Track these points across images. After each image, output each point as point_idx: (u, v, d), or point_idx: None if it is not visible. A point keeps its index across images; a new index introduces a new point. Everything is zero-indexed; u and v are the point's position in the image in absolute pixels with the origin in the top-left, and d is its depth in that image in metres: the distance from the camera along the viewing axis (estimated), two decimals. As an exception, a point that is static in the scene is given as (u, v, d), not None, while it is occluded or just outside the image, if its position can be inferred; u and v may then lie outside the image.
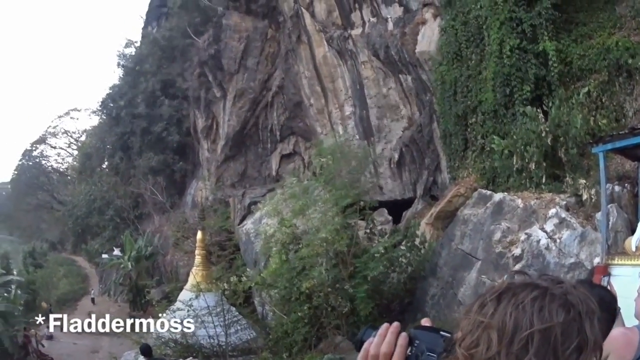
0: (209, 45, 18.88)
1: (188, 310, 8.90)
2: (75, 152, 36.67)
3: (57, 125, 37.80)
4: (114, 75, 32.57)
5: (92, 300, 22.75)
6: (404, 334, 0.68)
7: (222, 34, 18.08)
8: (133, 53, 28.98)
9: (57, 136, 37.70)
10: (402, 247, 8.88)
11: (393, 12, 11.70)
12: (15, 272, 21.02)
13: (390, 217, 11.68)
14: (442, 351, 0.64)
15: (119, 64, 29.96)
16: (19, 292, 17.12)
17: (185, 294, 10.25)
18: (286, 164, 16.74)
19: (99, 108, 31.54)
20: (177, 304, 10.00)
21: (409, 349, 0.67)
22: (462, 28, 9.39)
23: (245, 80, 17.27)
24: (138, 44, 28.35)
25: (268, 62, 16.54)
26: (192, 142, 21.12)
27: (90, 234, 27.31)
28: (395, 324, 0.68)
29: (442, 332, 0.67)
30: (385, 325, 0.68)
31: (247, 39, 16.96)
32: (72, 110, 38.61)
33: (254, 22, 16.44)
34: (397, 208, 12.25)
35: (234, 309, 9.68)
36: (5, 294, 15.64)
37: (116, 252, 21.17)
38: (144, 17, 27.16)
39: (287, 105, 15.87)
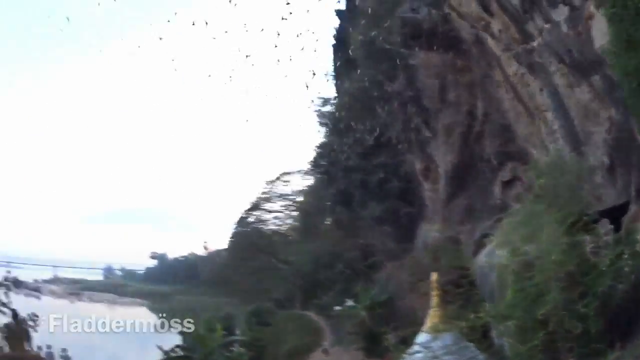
0: (405, 88, 22.71)
1: (426, 353, 10.72)
2: (294, 213, 44.37)
3: (269, 191, 46.93)
4: (315, 134, 38.93)
5: (325, 351, 26.42)
6: None
7: (414, 75, 21.75)
8: (331, 109, 34.70)
9: (272, 200, 46.59)
10: (625, 256, 9.99)
11: (561, 13, 12.72)
12: (238, 332, 26.51)
13: (611, 226, 12.33)
14: None
15: (320, 123, 36.56)
16: (242, 349, 21.55)
17: (422, 337, 11.99)
18: (508, 190, 18.56)
19: (310, 168, 38.63)
20: (415, 347, 11.93)
21: None
22: (625, 13, 9.74)
23: (450, 115, 20.39)
24: (330, 100, 34.03)
25: (467, 93, 19.24)
26: (413, 185, 24.64)
27: (320, 288, 32.40)
28: None
29: None
30: None
31: (440, 75, 20.19)
32: (282, 174, 46.96)
33: (441, 57, 19.48)
34: (613, 215, 12.86)
35: (471, 345, 11.48)
36: (228, 354, 20.29)
37: (349, 303, 25.45)
38: (332, 74, 32.56)
39: (496, 131, 18.16)
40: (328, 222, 35.39)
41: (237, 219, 49.86)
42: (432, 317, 12.13)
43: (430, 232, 22.14)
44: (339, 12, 27.61)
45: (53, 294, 75.66)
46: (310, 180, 41.79)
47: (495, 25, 14.65)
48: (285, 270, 38.76)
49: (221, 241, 63.42)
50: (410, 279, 21.59)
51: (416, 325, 14.29)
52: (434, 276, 13.28)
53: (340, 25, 27.94)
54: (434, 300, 12.57)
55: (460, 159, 20.07)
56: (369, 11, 23.42)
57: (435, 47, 19.61)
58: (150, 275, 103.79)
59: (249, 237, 46.84)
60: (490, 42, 15.63)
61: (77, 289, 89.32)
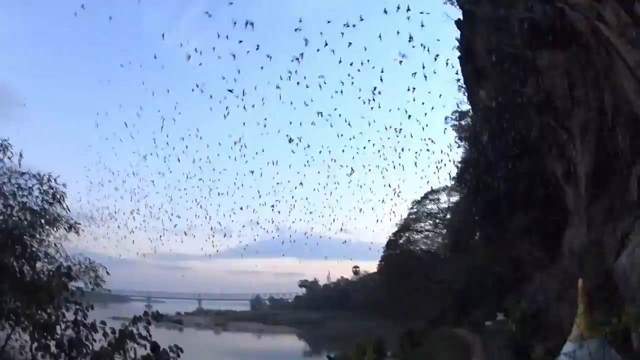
0: (536, 91, 22.11)
1: (570, 361, 10.47)
2: (444, 231, 44.21)
3: (417, 211, 47.38)
4: (456, 149, 39.01)
5: (476, 367, 26.56)
6: None
7: (542, 77, 21.10)
8: (468, 122, 34.49)
9: (421, 220, 47.00)
10: None
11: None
12: (389, 354, 26.69)
13: None
14: None
15: (460, 138, 36.48)
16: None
17: (568, 346, 11.73)
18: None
19: (456, 184, 38.48)
20: (561, 357, 11.71)
21: None
22: None
23: (582, 113, 19.46)
24: (467, 113, 33.79)
25: (594, 88, 18.29)
26: (557, 191, 23.68)
27: (471, 304, 31.96)
28: None
29: None
30: None
31: (566, 73, 19.41)
32: (429, 193, 47.22)
33: (564, 54, 18.74)
34: None
35: (613, 350, 10.98)
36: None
37: (499, 317, 24.85)
38: (463, 86, 32.40)
39: (627, 124, 16.97)
40: (476, 238, 34.94)
41: (386, 241, 51.17)
42: (577, 325, 11.80)
43: (575, 237, 20.98)
44: (458, 23, 27.50)
45: (198, 325, 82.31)
46: (456, 197, 41.66)
47: (606, 12, 13.95)
48: (436, 289, 38.84)
49: (371, 265, 64.49)
50: (558, 287, 20.61)
51: (564, 335, 13.84)
52: (579, 283, 12.87)
53: (461, 35, 27.83)
54: (580, 307, 12.19)
55: (597, 158, 18.93)
56: (488, 17, 23.22)
57: (556, 45, 18.98)
58: (300, 303, 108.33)
59: (400, 259, 47.60)
60: (605, 30, 14.84)
61: (223, 319, 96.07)
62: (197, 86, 28.83)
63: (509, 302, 24.46)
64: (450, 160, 46.44)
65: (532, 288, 24.50)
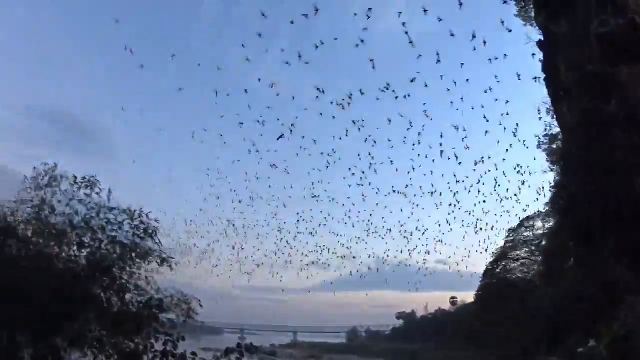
0: (620, 108, 21.87)
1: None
2: (539, 258, 42.85)
3: (513, 239, 46.47)
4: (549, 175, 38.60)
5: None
6: None
7: (625, 92, 20.90)
8: (559, 145, 33.90)
9: (517, 248, 45.96)
10: None
11: None
12: None
13: None
14: None
15: (552, 162, 35.88)
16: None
17: None
18: None
19: (550, 210, 37.73)
20: None
21: None
22: None
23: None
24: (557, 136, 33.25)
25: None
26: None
27: (564, 331, 30.72)
28: None
29: None
30: None
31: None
32: (524, 220, 46.25)
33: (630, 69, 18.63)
34: None
35: None
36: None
37: (591, 343, 23.89)
38: (551, 108, 32.05)
39: None
40: (570, 263, 33.71)
41: (483, 271, 50.43)
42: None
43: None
44: (540, 44, 27.61)
45: (292, 357, 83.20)
46: (551, 222, 40.39)
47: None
48: (530, 317, 37.51)
49: (469, 295, 63.07)
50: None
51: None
52: None
53: (544, 56, 27.86)
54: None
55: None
56: (566, 35, 23.41)
57: (633, 58, 18.95)
58: (396, 334, 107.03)
59: (496, 288, 46.61)
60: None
61: (318, 352, 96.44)
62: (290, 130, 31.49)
63: (601, 327, 23.63)
64: (541, 187, 45.43)
65: (624, 311, 23.46)
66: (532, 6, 27.82)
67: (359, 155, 45.66)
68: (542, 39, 27.36)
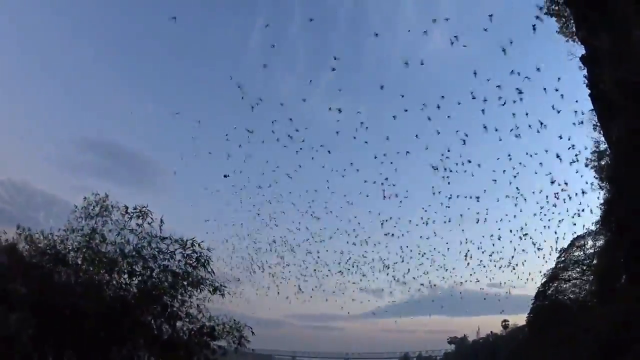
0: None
1: None
2: (591, 278, 41.51)
3: (564, 259, 45.17)
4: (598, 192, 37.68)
5: None
6: None
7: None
8: (607, 161, 33.20)
9: (568, 269, 44.58)
10: None
11: None
12: None
13: None
14: None
15: (600, 178, 35.13)
16: None
17: None
18: None
19: (600, 228, 36.80)
20: None
21: None
22: None
23: None
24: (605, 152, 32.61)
25: None
26: None
27: (619, 352, 29.68)
28: None
29: None
30: None
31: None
32: (575, 239, 44.94)
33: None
34: None
35: None
36: None
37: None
38: (598, 125, 31.52)
39: None
40: (622, 281, 32.64)
41: (534, 293, 49.07)
42: None
43: None
44: (583, 58, 27.40)
45: None
46: (601, 241, 39.19)
47: None
48: (583, 338, 36.25)
49: (520, 318, 61.16)
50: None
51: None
52: None
53: (588, 71, 27.61)
54: None
55: None
56: (608, 49, 23.24)
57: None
58: (448, 359, 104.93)
59: (548, 310, 45.26)
60: None
61: None
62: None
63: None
64: (587, 205, 44.15)
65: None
66: (572, 22, 27.75)
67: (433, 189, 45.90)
68: (585, 53, 27.18)
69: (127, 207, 16.32)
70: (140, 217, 16.23)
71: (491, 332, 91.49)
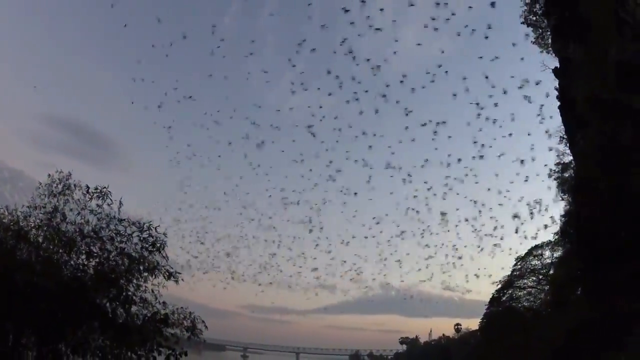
0: (634, 136, 21.70)
1: None
2: (546, 287, 42.20)
3: (521, 268, 45.78)
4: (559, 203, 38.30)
5: None
6: None
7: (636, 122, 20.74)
8: (571, 174, 33.62)
9: (524, 277, 45.21)
10: None
11: None
12: None
13: None
14: None
15: (562, 190, 35.53)
16: None
17: None
18: None
19: (559, 238, 37.31)
20: None
21: None
22: None
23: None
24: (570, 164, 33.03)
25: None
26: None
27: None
28: None
29: None
30: None
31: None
32: (532, 249, 45.59)
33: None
34: None
35: None
36: None
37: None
38: (564, 136, 31.87)
39: None
40: (578, 292, 33.17)
41: (489, 299, 49.70)
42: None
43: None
44: (555, 71, 27.47)
45: None
46: (560, 252, 39.82)
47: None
48: (536, 347, 36.76)
49: (473, 323, 62.32)
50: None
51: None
52: None
53: (560, 83, 27.71)
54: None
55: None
56: (582, 63, 23.31)
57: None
58: (399, 359, 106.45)
59: (501, 316, 45.84)
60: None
61: None
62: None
63: (608, 356, 23.17)
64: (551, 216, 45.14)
65: (632, 342, 23.02)
66: (549, 33, 27.83)
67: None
68: (559, 66, 27.24)
69: (88, 187, 15.86)
70: (101, 198, 15.78)
71: (443, 334, 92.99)
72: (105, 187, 15.89)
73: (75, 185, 16.00)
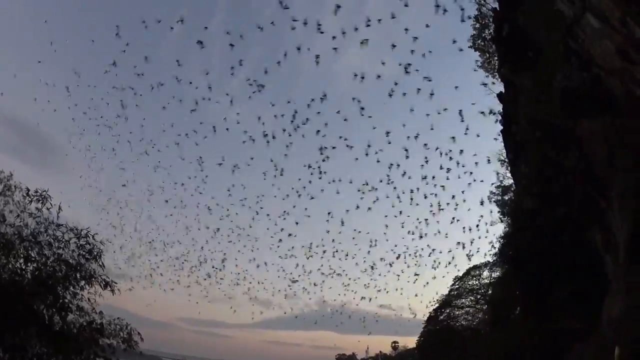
0: (577, 161, 22.23)
1: None
2: (485, 307, 43.11)
3: (458, 287, 46.72)
4: (498, 225, 39.28)
5: None
6: None
7: (583, 146, 21.24)
8: (511, 197, 34.57)
9: (462, 296, 46.14)
10: None
11: None
12: None
13: None
14: None
15: (502, 212, 36.48)
16: None
17: None
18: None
19: (497, 259, 38.24)
20: None
21: None
22: None
23: (621, 180, 19.32)
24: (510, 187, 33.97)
25: (633, 153, 18.32)
26: (597, 261, 23.15)
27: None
28: None
29: None
30: None
31: (605, 140, 19.52)
32: (471, 269, 46.56)
33: (603, 121, 18.98)
34: None
35: None
36: None
37: (538, 391, 23.61)
38: (506, 160, 32.77)
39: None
40: (517, 312, 33.95)
41: (426, 317, 50.26)
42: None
43: (613, 305, 20.23)
44: (500, 95, 28.15)
45: None
46: (498, 272, 40.81)
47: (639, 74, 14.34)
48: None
49: (411, 340, 62.90)
50: (596, 357, 19.80)
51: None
52: (616, 351, 13.42)
53: (504, 108, 28.40)
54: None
55: (636, 223, 18.63)
56: (528, 88, 23.86)
57: (594, 112, 19.31)
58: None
59: (439, 335, 46.47)
60: (640, 93, 15.14)
61: None
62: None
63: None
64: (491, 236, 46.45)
65: (571, 358, 23.44)
66: (496, 58, 28.54)
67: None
68: (503, 91, 27.89)
69: (28, 189, 15.31)
70: (40, 201, 15.25)
71: (380, 352, 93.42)
72: (45, 191, 15.63)
73: (15, 186, 15.61)
